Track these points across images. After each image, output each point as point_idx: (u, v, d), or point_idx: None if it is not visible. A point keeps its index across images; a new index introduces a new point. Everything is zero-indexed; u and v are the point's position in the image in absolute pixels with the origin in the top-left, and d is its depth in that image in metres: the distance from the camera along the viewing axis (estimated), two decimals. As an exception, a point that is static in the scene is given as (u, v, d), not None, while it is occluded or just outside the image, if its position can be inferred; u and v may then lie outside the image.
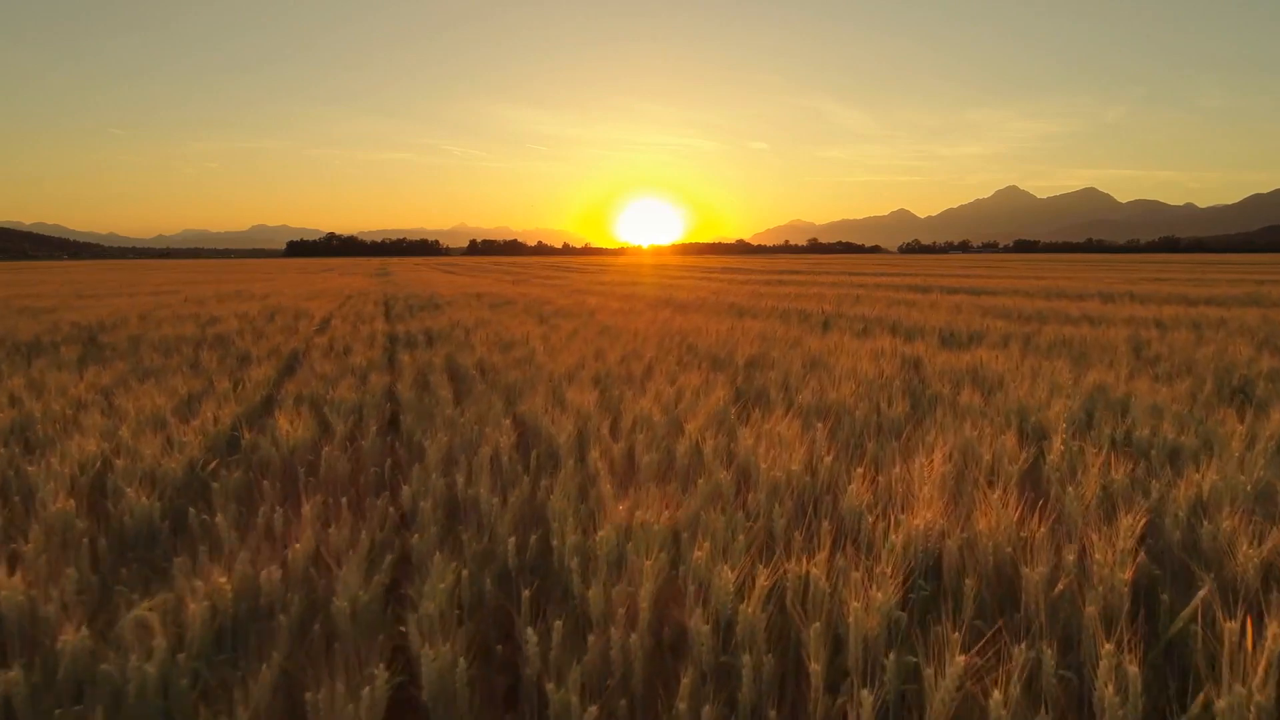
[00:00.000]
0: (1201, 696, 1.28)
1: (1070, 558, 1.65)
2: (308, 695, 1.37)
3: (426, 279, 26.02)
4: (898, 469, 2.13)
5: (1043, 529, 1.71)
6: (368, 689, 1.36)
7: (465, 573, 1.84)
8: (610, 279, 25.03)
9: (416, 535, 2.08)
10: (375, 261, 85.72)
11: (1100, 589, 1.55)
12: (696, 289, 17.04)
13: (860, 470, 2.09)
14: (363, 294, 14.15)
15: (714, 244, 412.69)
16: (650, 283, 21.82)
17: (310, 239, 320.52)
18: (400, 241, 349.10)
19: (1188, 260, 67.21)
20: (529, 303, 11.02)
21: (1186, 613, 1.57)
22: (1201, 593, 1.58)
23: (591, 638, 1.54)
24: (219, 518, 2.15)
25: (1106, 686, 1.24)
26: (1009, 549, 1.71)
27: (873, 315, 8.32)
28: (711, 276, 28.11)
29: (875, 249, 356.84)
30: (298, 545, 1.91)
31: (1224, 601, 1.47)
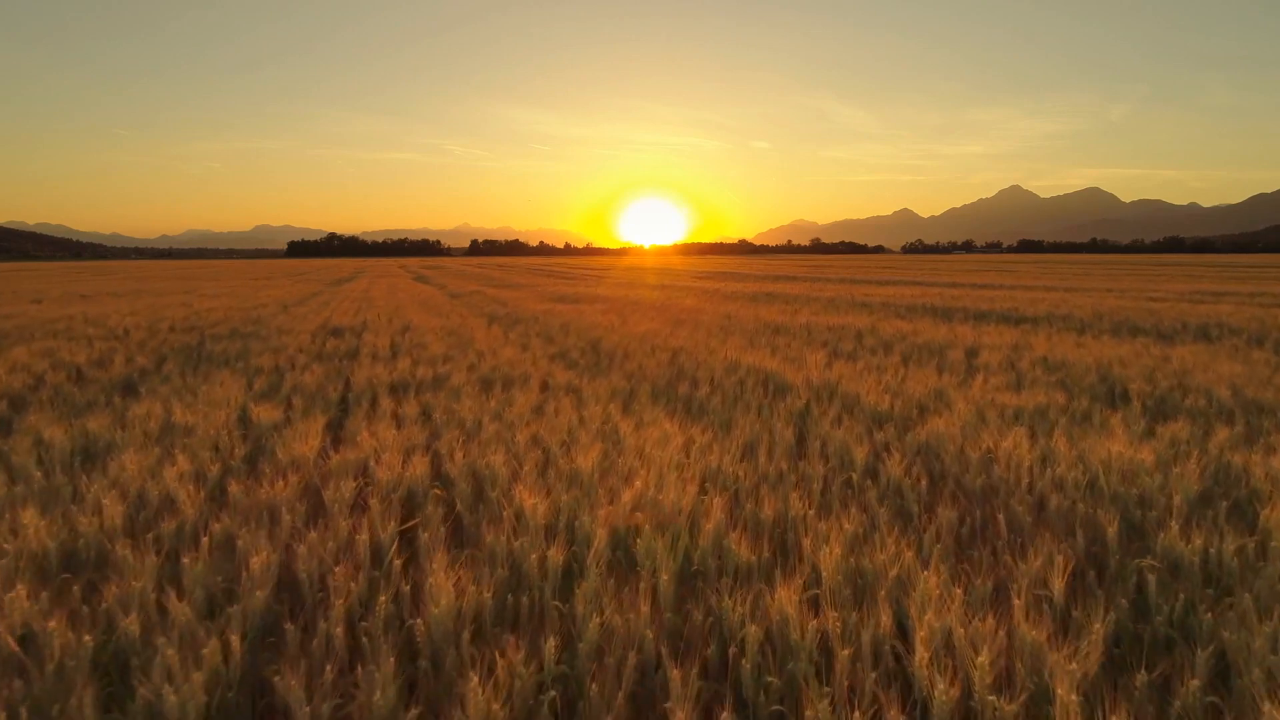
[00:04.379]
0: None
1: None
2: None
3: (364, 292, 22.66)
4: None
5: None
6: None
7: None
8: (576, 291, 21.61)
9: None
10: (353, 265, 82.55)
11: None
12: (663, 310, 13.60)
13: None
14: (213, 325, 10.72)
15: (716, 244, 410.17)
16: (619, 297, 18.39)
17: (312, 239, 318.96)
18: (402, 242, 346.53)
19: (1211, 263, 63.31)
20: (381, 355, 7.57)
21: None
22: None
23: None
24: None
25: None
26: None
27: (882, 402, 4.83)
28: (695, 287, 24.64)
29: (879, 249, 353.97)
30: None
31: None
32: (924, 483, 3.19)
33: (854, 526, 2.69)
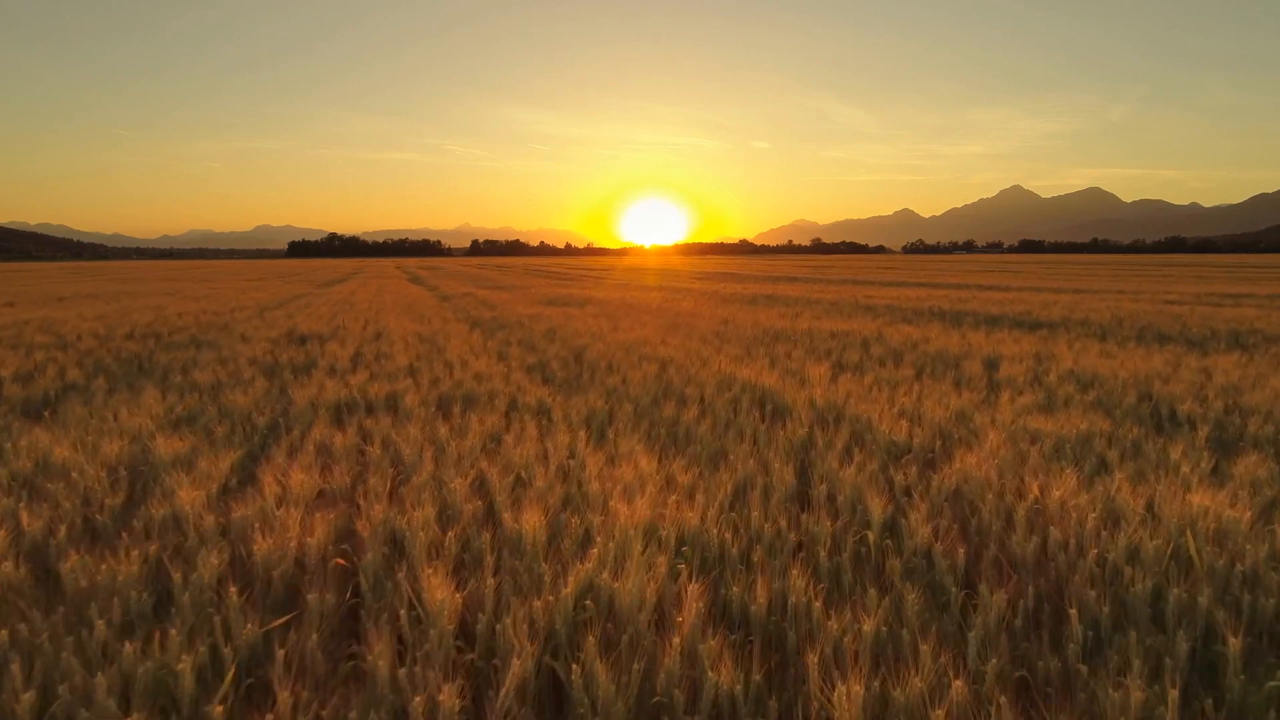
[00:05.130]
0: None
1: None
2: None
3: (351, 294, 22.00)
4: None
5: None
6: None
7: None
8: (570, 293, 20.92)
9: None
10: (352, 265, 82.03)
11: None
12: (658, 314, 12.92)
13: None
14: (174, 331, 10.04)
15: (717, 244, 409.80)
16: (614, 300, 17.71)
17: (313, 239, 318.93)
18: (402, 242, 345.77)
19: (1215, 263, 62.18)
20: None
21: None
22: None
23: None
24: None
25: None
26: None
27: (898, 429, 4.14)
28: (694, 289, 23.94)
29: (879, 249, 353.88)
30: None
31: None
32: (961, 551, 2.51)
33: (875, 622, 2.01)
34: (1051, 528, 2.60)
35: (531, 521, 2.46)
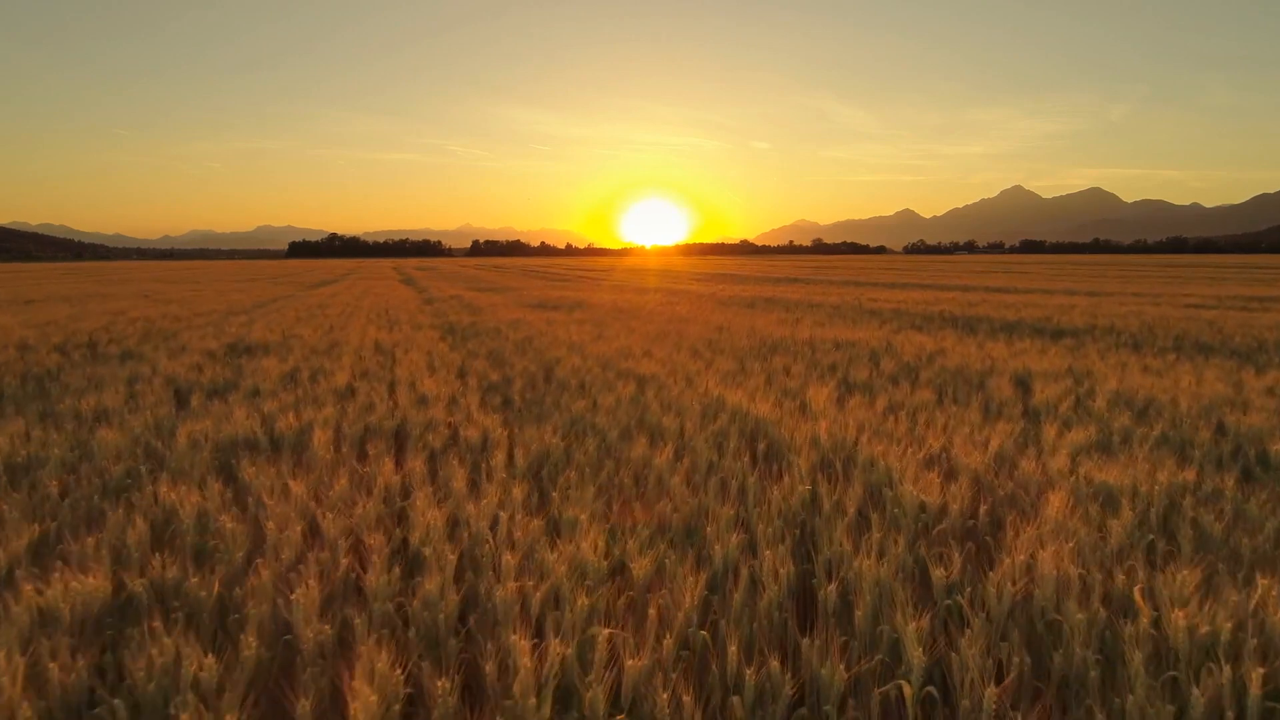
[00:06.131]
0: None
1: None
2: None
3: (330, 297, 21.10)
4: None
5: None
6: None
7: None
8: (562, 295, 20.00)
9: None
10: (348, 265, 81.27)
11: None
12: (649, 319, 12.00)
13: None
14: (114, 340, 9.13)
15: (718, 244, 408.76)
16: (605, 303, 16.80)
17: (314, 240, 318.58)
18: (403, 242, 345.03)
19: (1221, 264, 61.00)
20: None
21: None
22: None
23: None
24: None
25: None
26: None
27: (928, 485, 3.20)
28: (691, 290, 23.01)
29: (881, 249, 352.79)
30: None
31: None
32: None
33: None
34: (1192, 687, 1.68)
35: (370, 698, 1.54)
